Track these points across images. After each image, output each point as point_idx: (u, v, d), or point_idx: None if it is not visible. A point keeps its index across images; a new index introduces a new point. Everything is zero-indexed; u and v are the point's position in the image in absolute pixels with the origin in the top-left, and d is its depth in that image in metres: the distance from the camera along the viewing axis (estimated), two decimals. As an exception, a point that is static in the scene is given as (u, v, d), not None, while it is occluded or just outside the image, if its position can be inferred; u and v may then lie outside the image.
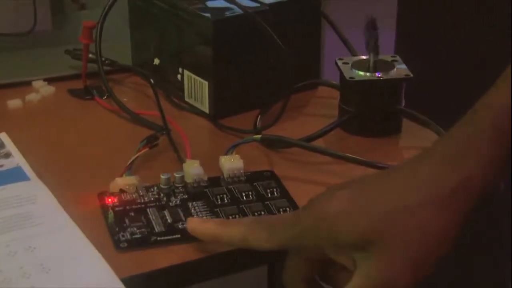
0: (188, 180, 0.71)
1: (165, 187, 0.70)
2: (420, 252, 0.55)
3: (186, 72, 0.85)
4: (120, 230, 0.65)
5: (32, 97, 0.87)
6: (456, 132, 0.57)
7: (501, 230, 1.36)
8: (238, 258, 0.65)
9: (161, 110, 0.79)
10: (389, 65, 0.80)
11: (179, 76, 0.86)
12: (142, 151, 0.74)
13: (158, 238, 0.64)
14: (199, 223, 0.64)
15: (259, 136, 0.76)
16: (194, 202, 0.69)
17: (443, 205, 0.55)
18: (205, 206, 0.68)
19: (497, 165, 0.55)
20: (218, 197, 0.69)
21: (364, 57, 0.81)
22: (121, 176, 0.70)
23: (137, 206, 0.68)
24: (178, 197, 0.69)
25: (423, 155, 0.57)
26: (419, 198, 0.55)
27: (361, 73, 0.79)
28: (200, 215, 0.67)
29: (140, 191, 0.69)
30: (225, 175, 0.72)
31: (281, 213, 0.67)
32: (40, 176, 0.72)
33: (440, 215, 0.55)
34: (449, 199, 0.55)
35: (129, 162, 0.72)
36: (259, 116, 0.82)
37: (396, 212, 0.55)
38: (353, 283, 0.56)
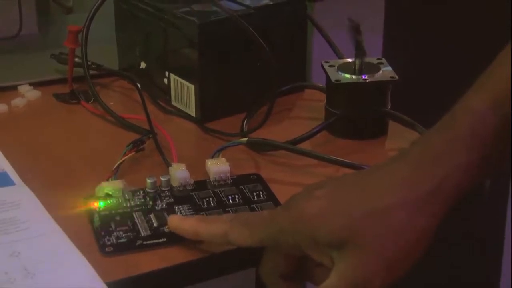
0: (174, 183, 0.71)
1: (151, 191, 0.70)
2: (396, 252, 0.55)
3: (172, 76, 0.85)
4: (106, 234, 0.65)
5: (17, 101, 0.86)
6: (434, 136, 0.57)
7: (489, 231, 1.36)
8: (225, 261, 0.65)
9: (147, 114, 0.79)
10: (375, 68, 0.80)
11: (165, 80, 0.86)
12: (128, 155, 0.74)
13: (144, 242, 0.64)
14: (180, 220, 0.64)
15: (245, 139, 0.76)
16: (180, 206, 0.69)
17: (419, 207, 0.55)
18: (191, 210, 0.68)
19: (474, 169, 0.55)
20: (204, 200, 0.69)
21: (350, 59, 0.81)
22: (107, 180, 0.70)
23: (123, 210, 0.68)
24: (164, 200, 0.69)
25: (401, 157, 0.58)
26: (396, 199, 0.55)
27: (347, 75, 0.79)
28: (186, 218, 0.67)
29: (126, 195, 0.69)
30: (211, 179, 0.72)
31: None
32: (25, 180, 0.72)
33: (416, 216, 0.55)
34: (425, 201, 0.55)
35: (115, 166, 0.72)
36: (246, 119, 0.82)
37: (373, 213, 0.55)
38: (330, 281, 0.56)
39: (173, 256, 0.63)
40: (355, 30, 0.76)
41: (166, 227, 0.66)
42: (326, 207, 0.57)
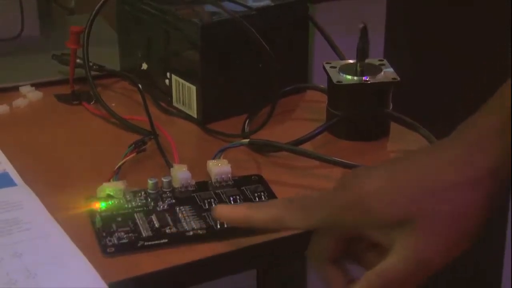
0: (176, 184, 0.71)
1: (153, 192, 0.70)
2: (456, 232, 0.55)
3: (174, 77, 0.85)
4: (107, 235, 0.65)
5: (19, 102, 0.86)
6: (488, 116, 0.56)
7: (490, 230, 1.36)
8: (227, 262, 0.65)
9: (148, 115, 0.79)
10: (377, 69, 0.80)
11: (167, 81, 0.86)
12: (130, 156, 0.74)
13: (146, 243, 0.64)
14: (229, 209, 0.63)
15: (247, 140, 0.76)
16: (182, 207, 0.69)
17: (478, 185, 0.55)
18: (193, 211, 0.68)
19: None
20: (205, 201, 0.69)
21: (351, 61, 0.81)
22: (109, 181, 0.70)
23: (124, 211, 0.68)
24: (166, 201, 0.69)
25: (457, 136, 0.57)
26: (456, 179, 0.55)
27: (349, 77, 0.79)
28: (188, 219, 0.67)
29: (128, 196, 0.69)
30: (212, 180, 0.72)
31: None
32: (27, 181, 0.72)
33: (475, 196, 0.55)
34: (484, 180, 0.55)
35: (116, 167, 0.72)
36: (247, 121, 0.82)
37: (434, 192, 0.55)
38: (389, 262, 0.56)
39: (175, 257, 0.63)
40: (362, 33, 0.76)
41: (168, 228, 0.66)
42: (386, 187, 0.56)
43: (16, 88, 0.89)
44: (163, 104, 0.86)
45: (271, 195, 0.70)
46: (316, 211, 0.59)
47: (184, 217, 0.67)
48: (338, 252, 0.60)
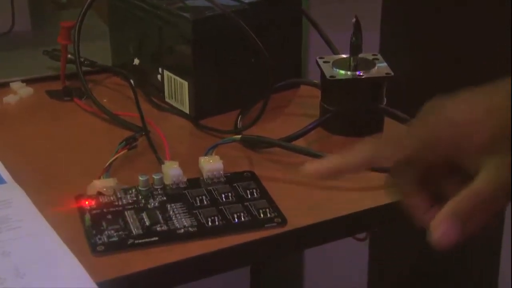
0: (167, 181, 0.70)
1: (144, 189, 0.69)
2: None
3: (166, 73, 0.84)
4: (97, 233, 0.64)
5: (10, 98, 0.86)
6: None
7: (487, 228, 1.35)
8: (217, 260, 0.64)
9: (140, 111, 0.78)
10: (370, 64, 0.80)
11: (159, 77, 0.85)
12: (121, 153, 0.73)
13: (136, 241, 0.64)
14: (320, 163, 0.61)
15: (239, 136, 0.75)
16: (173, 204, 0.68)
17: None
18: (184, 208, 0.67)
19: None
20: (197, 198, 0.68)
21: (345, 56, 0.81)
22: (99, 178, 0.70)
23: (114, 209, 0.67)
24: (157, 199, 0.68)
25: None
26: None
27: (342, 71, 0.79)
28: (179, 217, 0.66)
29: (118, 193, 0.69)
30: (204, 176, 0.71)
31: (261, 214, 0.67)
32: (16, 179, 0.71)
33: None
34: None
35: (107, 164, 0.71)
36: (240, 116, 0.81)
37: None
38: (481, 181, 0.56)
39: (165, 255, 0.63)
40: (355, 27, 0.75)
41: (159, 225, 0.65)
42: (477, 119, 0.56)
43: (6, 84, 0.88)
44: (155, 100, 0.85)
45: (263, 192, 0.69)
46: (406, 144, 0.59)
47: (175, 214, 0.67)
48: (420, 178, 0.60)
